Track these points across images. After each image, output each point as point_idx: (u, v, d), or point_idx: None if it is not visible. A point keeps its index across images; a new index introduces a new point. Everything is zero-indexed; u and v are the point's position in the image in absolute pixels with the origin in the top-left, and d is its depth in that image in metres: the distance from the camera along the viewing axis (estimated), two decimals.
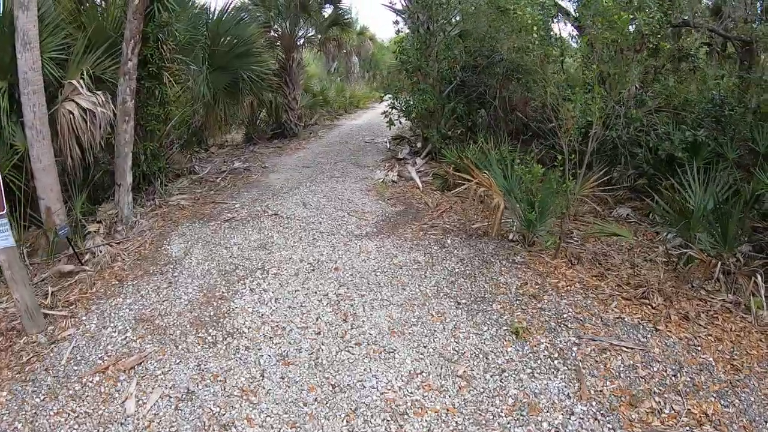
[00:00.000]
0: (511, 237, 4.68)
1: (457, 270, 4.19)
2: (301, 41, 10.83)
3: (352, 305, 3.70)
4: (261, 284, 4.01)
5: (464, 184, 4.92)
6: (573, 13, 6.49)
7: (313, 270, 4.26)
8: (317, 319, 3.54)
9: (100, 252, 4.77)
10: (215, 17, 7.56)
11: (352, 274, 4.17)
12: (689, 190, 4.23)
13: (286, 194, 6.28)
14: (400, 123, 8.73)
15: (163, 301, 3.79)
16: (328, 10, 10.90)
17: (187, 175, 7.45)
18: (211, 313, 3.62)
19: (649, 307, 3.56)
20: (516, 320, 3.44)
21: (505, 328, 3.37)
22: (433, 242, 4.76)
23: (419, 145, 8.61)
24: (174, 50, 5.86)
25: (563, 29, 9.41)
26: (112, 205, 5.53)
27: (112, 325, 3.51)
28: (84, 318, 3.60)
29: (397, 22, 8.08)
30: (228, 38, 7.68)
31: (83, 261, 4.54)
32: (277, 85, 10.42)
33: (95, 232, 5.12)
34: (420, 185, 6.47)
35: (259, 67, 8.12)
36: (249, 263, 4.38)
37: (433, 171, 7.01)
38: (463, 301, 3.72)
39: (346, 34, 14.72)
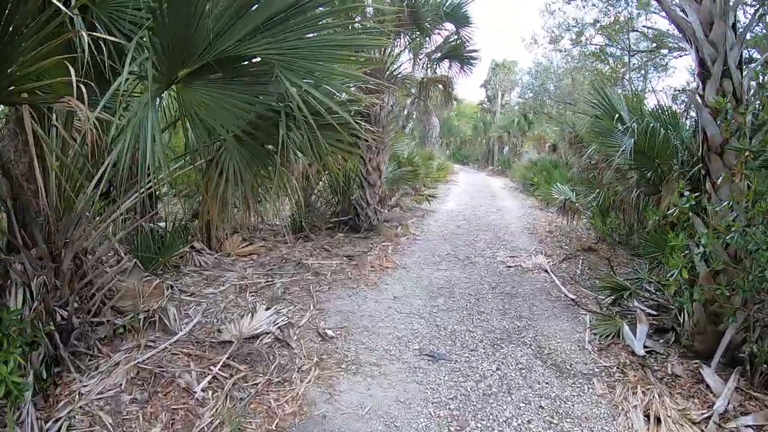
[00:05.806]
0: None
1: None
2: (398, 77, 6.57)
3: None
4: None
5: None
6: None
7: None
8: None
9: None
10: None
11: None
12: None
13: None
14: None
15: None
16: (443, 32, 6.65)
17: (143, 331, 2.85)
18: None
19: None
20: None
21: None
22: None
23: (644, 299, 3.67)
24: None
25: None
26: None
27: None
28: None
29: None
30: None
31: None
32: (352, 142, 6.05)
33: None
34: None
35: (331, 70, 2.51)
36: None
37: None
38: None
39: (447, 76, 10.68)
